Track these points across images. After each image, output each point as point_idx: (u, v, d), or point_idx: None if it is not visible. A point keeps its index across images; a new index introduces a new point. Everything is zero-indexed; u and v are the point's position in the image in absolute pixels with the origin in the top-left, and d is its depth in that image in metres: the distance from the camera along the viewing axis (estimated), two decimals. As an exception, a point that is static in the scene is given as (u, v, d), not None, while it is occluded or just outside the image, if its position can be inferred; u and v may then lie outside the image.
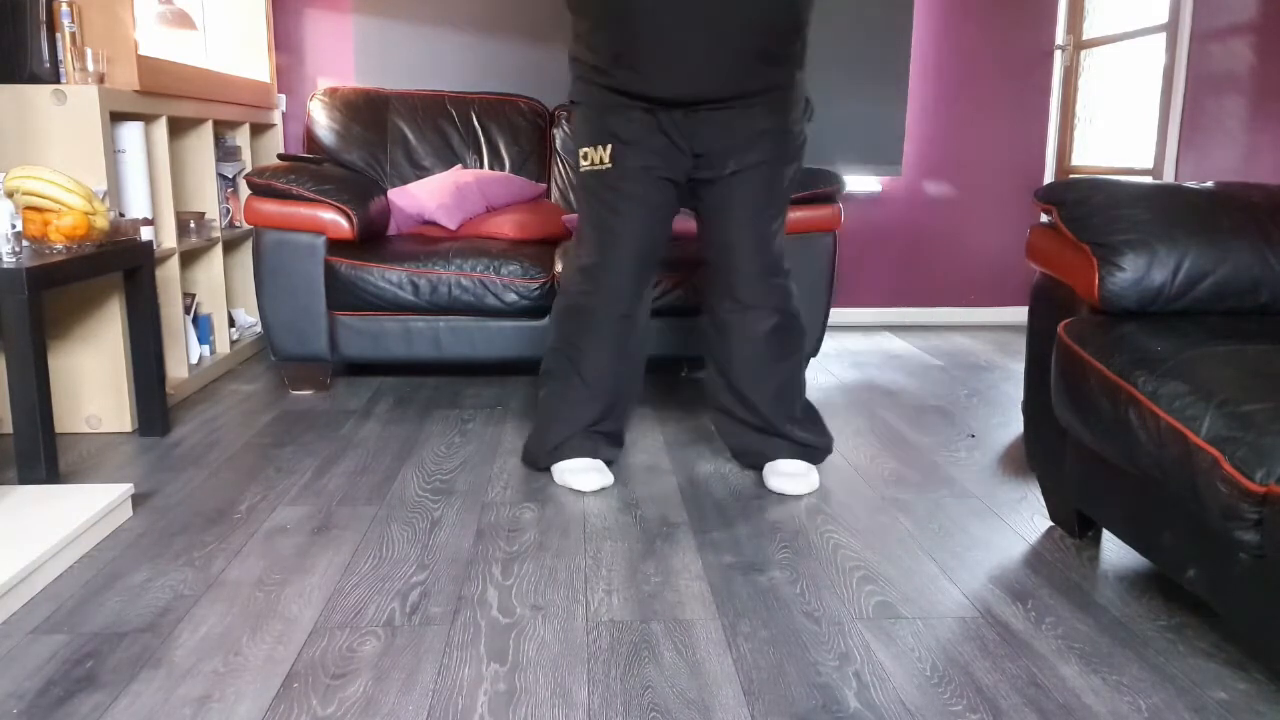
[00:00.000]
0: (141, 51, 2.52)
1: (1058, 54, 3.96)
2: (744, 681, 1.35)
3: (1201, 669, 1.40)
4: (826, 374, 3.21)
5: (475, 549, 1.78)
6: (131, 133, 2.53)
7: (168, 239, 2.72)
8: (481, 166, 3.43)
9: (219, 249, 3.11)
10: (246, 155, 3.42)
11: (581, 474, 2.09)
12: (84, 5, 2.41)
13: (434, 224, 3.20)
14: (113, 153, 2.43)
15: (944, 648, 1.45)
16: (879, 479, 2.19)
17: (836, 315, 4.08)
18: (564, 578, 1.67)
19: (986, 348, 3.65)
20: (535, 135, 3.49)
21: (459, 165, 3.39)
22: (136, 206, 2.56)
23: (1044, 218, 1.86)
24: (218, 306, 3.13)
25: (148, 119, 2.65)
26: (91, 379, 2.45)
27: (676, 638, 1.47)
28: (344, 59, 3.68)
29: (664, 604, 1.58)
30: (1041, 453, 1.89)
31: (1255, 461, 1.20)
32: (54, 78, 2.36)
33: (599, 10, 1.93)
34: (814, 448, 2.16)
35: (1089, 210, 1.70)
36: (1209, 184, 1.78)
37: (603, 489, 2.09)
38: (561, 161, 3.50)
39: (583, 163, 2.06)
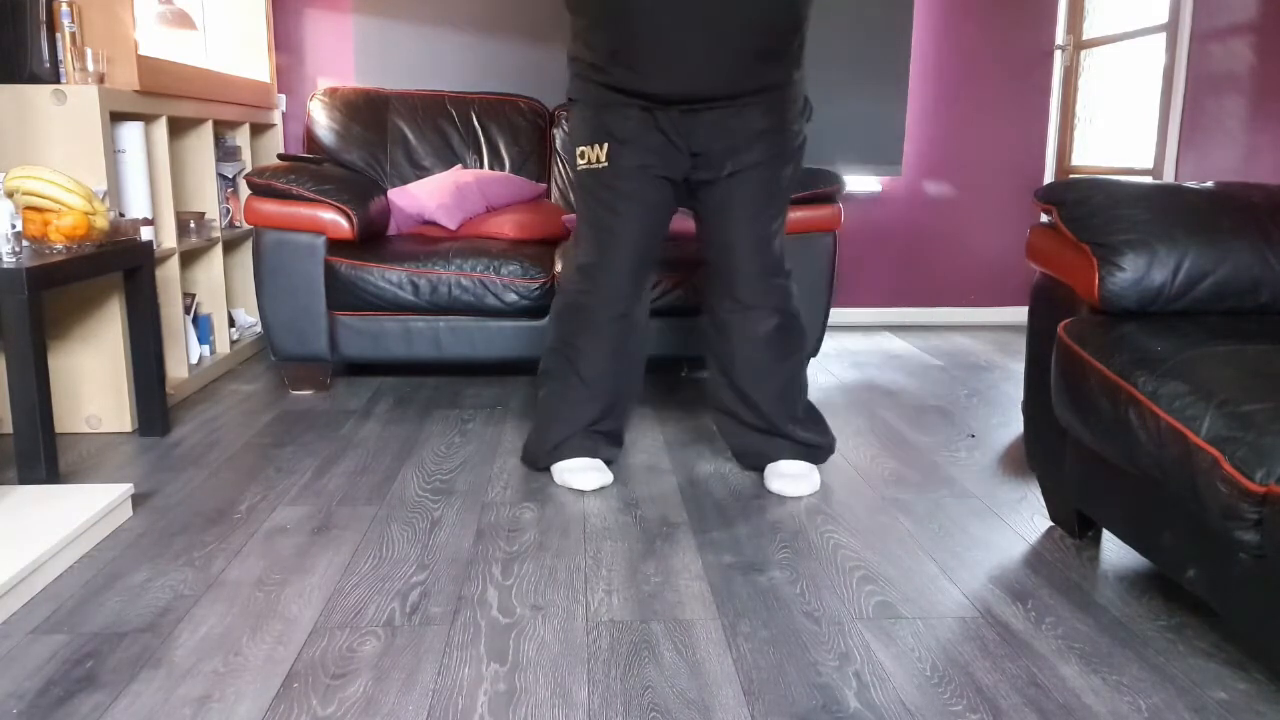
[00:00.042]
0: (141, 51, 2.52)
1: (1058, 54, 3.96)
2: (744, 681, 1.35)
3: (1201, 669, 1.40)
4: (826, 374, 3.21)
5: (475, 549, 1.78)
6: (131, 133, 2.53)
7: (168, 239, 2.72)
8: (481, 166, 3.43)
9: (219, 249, 3.11)
10: (246, 155, 3.42)
11: (581, 473, 2.09)
12: (84, 5, 2.41)
13: (434, 224, 3.20)
14: (113, 153, 2.43)
15: (944, 648, 1.45)
16: (879, 479, 2.19)
17: (836, 315, 4.08)
18: (564, 578, 1.67)
19: (986, 348, 3.65)
20: (535, 135, 3.49)
21: (459, 165, 3.39)
22: (136, 206, 2.56)
23: (1044, 218, 1.86)
24: (218, 306, 3.13)
25: (148, 119, 2.65)
26: (91, 379, 2.45)
27: (676, 638, 1.47)
28: (344, 59, 3.68)
29: (664, 604, 1.58)
30: (1041, 453, 1.89)
31: (1255, 461, 1.20)
32: (54, 78, 2.37)
33: (597, 9, 1.93)
34: (817, 447, 2.16)
35: (1089, 210, 1.70)
36: (1209, 184, 1.78)
37: (602, 488, 2.09)
38: (561, 161, 3.51)
39: (580, 161, 2.06)
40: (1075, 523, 1.85)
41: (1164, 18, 3.25)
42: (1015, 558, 1.78)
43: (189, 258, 3.07)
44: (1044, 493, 1.96)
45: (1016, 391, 3.00)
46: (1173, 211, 1.67)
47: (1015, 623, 1.53)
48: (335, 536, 1.83)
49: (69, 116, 2.32)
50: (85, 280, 2.30)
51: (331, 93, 3.41)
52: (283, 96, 3.69)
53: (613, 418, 2.17)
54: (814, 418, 2.19)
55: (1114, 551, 1.81)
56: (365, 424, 2.56)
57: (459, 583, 1.64)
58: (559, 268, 2.81)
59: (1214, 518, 1.26)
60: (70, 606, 1.55)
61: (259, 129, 3.60)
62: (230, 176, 3.31)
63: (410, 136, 3.40)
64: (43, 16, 2.33)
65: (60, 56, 2.37)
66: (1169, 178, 3.21)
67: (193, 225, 2.97)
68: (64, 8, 2.36)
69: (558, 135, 3.51)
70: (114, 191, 2.42)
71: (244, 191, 3.32)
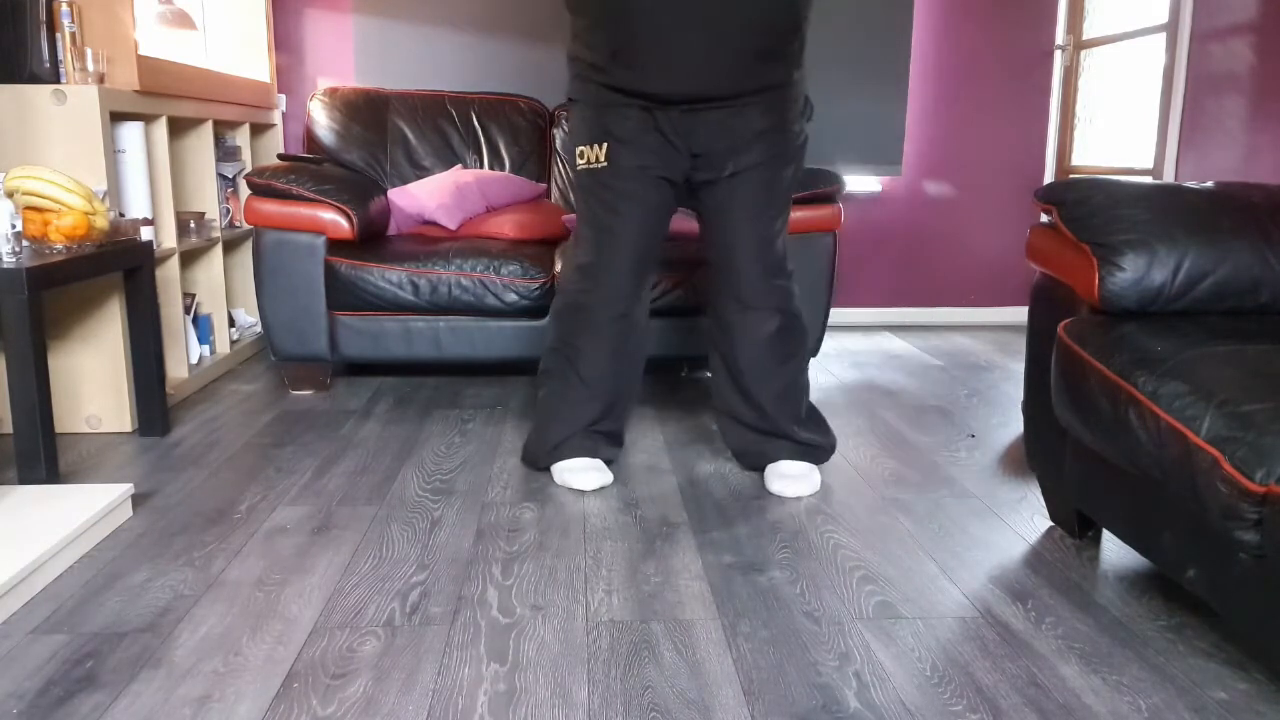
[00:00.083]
0: (141, 51, 2.52)
1: (1058, 54, 3.96)
2: (744, 681, 1.35)
3: (1201, 669, 1.40)
4: (826, 374, 3.21)
5: (475, 549, 1.78)
6: (131, 133, 2.53)
7: (168, 239, 2.72)
8: (481, 166, 3.43)
9: (219, 249, 3.11)
10: (246, 155, 3.42)
11: (581, 473, 2.09)
12: (84, 5, 2.41)
13: (434, 224, 3.20)
14: (113, 153, 2.43)
15: (944, 648, 1.45)
16: (879, 479, 2.19)
17: (836, 315, 4.08)
18: (564, 578, 1.67)
19: (986, 348, 3.65)
20: (535, 135, 3.49)
21: (459, 165, 3.39)
22: (136, 206, 2.56)
23: (1044, 218, 1.86)
24: (218, 306, 3.13)
25: (148, 119, 2.65)
26: (91, 379, 2.45)
27: (676, 638, 1.47)
28: (344, 59, 3.68)
29: (664, 604, 1.58)
30: (1041, 453, 1.89)
31: (1255, 461, 1.20)
32: (54, 78, 2.37)
33: (597, 9, 1.93)
34: (818, 448, 2.16)
35: (1089, 210, 1.70)
36: (1209, 184, 1.78)
37: (602, 488, 2.09)
38: (561, 161, 3.51)
39: (579, 161, 2.06)
40: (1075, 523, 1.85)
41: (1164, 18, 3.25)
42: (1015, 558, 1.78)
43: (189, 258, 3.07)
44: (1044, 493, 1.96)
45: (1016, 391, 3.00)
46: (1173, 211, 1.67)
47: (1015, 623, 1.53)
48: (335, 536, 1.83)
49: (69, 116, 2.32)
50: (85, 280, 2.30)
51: (331, 93, 3.41)
52: (283, 96, 3.69)
53: (613, 418, 2.17)
54: (815, 418, 2.19)
55: (1114, 551, 1.81)
56: (365, 424, 2.56)
57: (459, 583, 1.64)
58: (559, 268, 2.81)
59: (1214, 518, 1.26)
60: (70, 606, 1.55)
61: (259, 129, 3.60)
62: (230, 176, 3.31)
63: (410, 136, 3.40)
64: (43, 16, 2.33)
65: (60, 56, 2.37)
66: (1169, 178, 3.21)
67: (193, 225, 2.97)
68: (64, 8, 2.36)
69: (558, 135, 3.51)
70: (114, 191, 2.42)
71: (244, 191, 3.32)
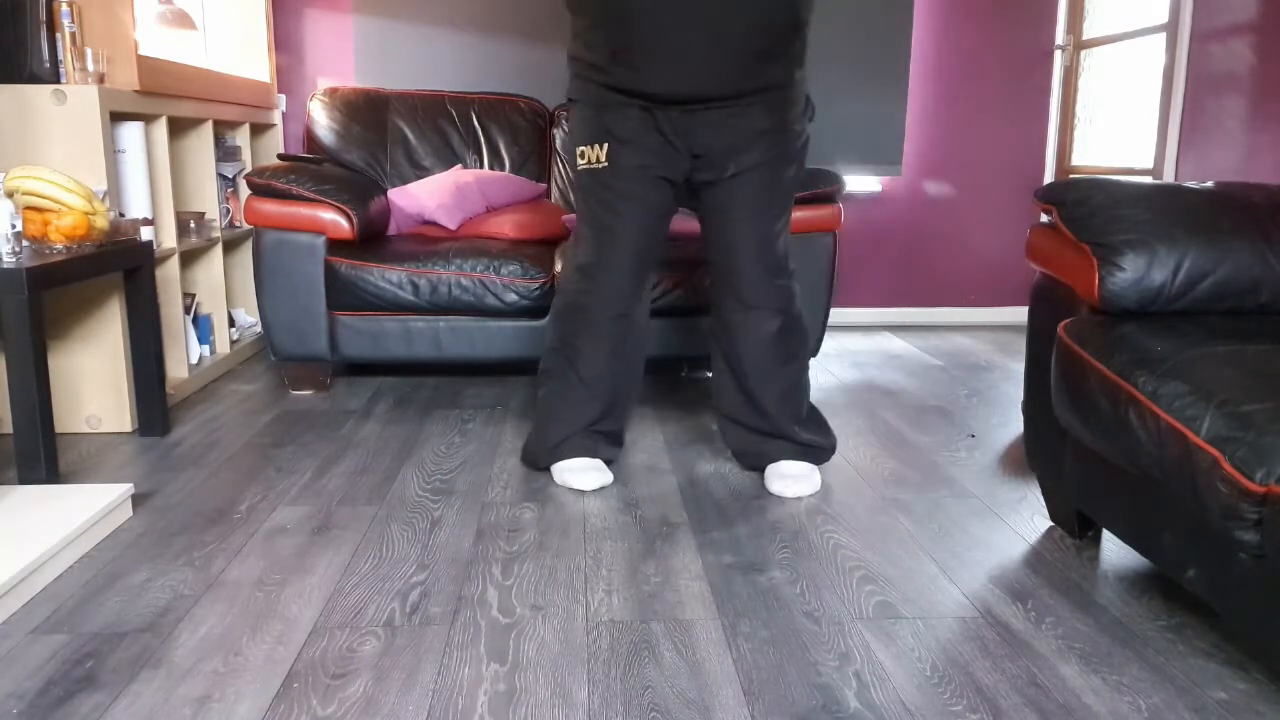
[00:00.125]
0: (141, 51, 2.52)
1: (1058, 54, 3.96)
2: (744, 681, 1.35)
3: (1201, 669, 1.40)
4: (826, 374, 3.21)
5: (475, 549, 1.78)
6: (131, 133, 2.53)
7: (168, 239, 2.72)
8: (481, 166, 3.43)
9: (219, 249, 3.11)
10: (246, 155, 3.42)
11: (581, 473, 2.09)
12: (84, 5, 2.41)
13: (434, 224, 3.20)
14: (113, 153, 2.43)
15: (944, 648, 1.45)
16: (879, 479, 2.19)
17: (836, 315, 4.08)
18: (564, 578, 1.67)
19: (986, 348, 3.65)
20: (535, 135, 3.49)
21: (459, 165, 3.39)
22: (136, 206, 2.56)
23: (1044, 218, 1.86)
24: (218, 306, 3.13)
25: (148, 119, 2.65)
26: (91, 379, 2.45)
27: (676, 638, 1.47)
28: (344, 59, 3.68)
29: (664, 604, 1.58)
30: (1041, 453, 1.89)
31: (1255, 461, 1.20)
32: (54, 78, 2.37)
33: (598, 8, 1.93)
34: (818, 448, 2.16)
35: (1089, 210, 1.70)
36: (1209, 184, 1.78)
37: (602, 488, 2.09)
38: (561, 161, 3.51)
39: (580, 161, 2.06)
40: (1075, 523, 1.85)
41: (1164, 18, 3.25)
42: (1015, 558, 1.78)
43: (189, 258, 3.07)
44: (1044, 493, 1.96)
45: (1016, 391, 3.00)
46: (1173, 211, 1.67)
47: (1015, 623, 1.53)
48: (335, 536, 1.83)
49: (69, 116, 2.32)
50: (85, 280, 2.30)
51: (331, 93, 3.41)
52: (283, 96, 3.69)
53: (613, 418, 2.17)
54: (816, 419, 2.19)
55: (1114, 551, 1.81)
56: (365, 424, 2.56)
57: (459, 583, 1.64)
58: (559, 268, 2.81)
59: (1214, 518, 1.26)
60: (70, 606, 1.55)
61: (259, 129, 3.60)
62: (230, 176, 3.31)
63: (410, 136, 3.40)
64: (43, 16, 2.33)
65: (60, 56, 2.37)
66: (1169, 178, 3.21)
67: (193, 225, 2.97)
68: (64, 8, 2.36)
69: (558, 135, 3.51)
70: (114, 191, 2.42)
71: (244, 191, 3.32)
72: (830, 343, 3.71)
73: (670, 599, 1.59)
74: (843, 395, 2.94)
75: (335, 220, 2.76)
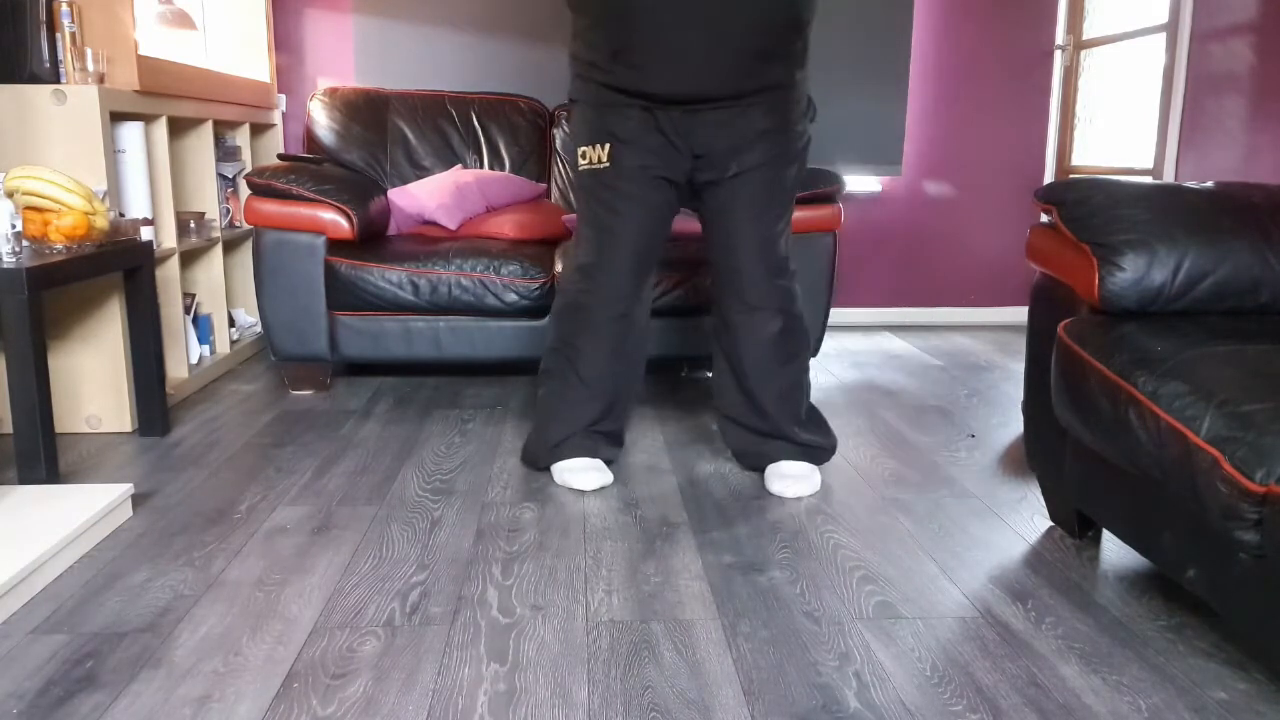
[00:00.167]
0: (141, 51, 2.52)
1: (1058, 54, 3.96)
2: (744, 681, 1.35)
3: (1201, 669, 1.40)
4: (826, 374, 3.21)
5: (475, 549, 1.78)
6: (131, 133, 2.53)
7: (168, 239, 2.72)
8: (481, 166, 3.43)
9: (219, 249, 3.11)
10: (246, 155, 3.42)
11: (581, 473, 2.09)
12: (84, 5, 2.41)
13: (434, 224, 3.20)
14: (113, 153, 2.43)
15: (944, 648, 1.45)
16: (879, 479, 2.19)
17: (836, 315, 4.08)
18: (564, 578, 1.67)
19: (986, 348, 3.65)
20: (535, 135, 3.49)
21: (459, 165, 3.39)
22: (136, 206, 2.56)
23: (1044, 218, 1.86)
24: (218, 306, 3.13)
25: (148, 119, 2.65)
26: (91, 379, 2.45)
27: (676, 638, 1.47)
28: (344, 59, 3.68)
29: (664, 604, 1.58)
30: (1041, 453, 1.89)
31: (1255, 461, 1.20)
32: (54, 78, 2.36)
33: (599, 8, 1.93)
34: (818, 448, 2.16)
35: (1089, 210, 1.70)
36: (1209, 184, 1.78)
37: (602, 488, 2.09)
38: (561, 161, 3.51)
39: (581, 162, 2.06)
40: (1075, 523, 1.85)
41: (1164, 18, 3.25)
42: (1015, 558, 1.78)
43: (189, 258, 3.07)
44: (1044, 493, 1.96)
45: (1016, 391, 3.00)
46: (1173, 211, 1.67)
47: (1015, 623, 1.53)
48: (335, 536, 1.83)
49: (69, 116, 2.32)
50: (85, 280, 2.30)
51: (331, 93, 3.41)
52: (283, 96, 3.69)
53: (613, 418, 2.17)
54: (816, 419, 2.19)
55: (1114, 551, 1.81)
56: (365, 424, 2.56)
57: (459, 583, 1.64)
58: (559, 268, 2.81)
59: (1214, 518, 1.26)
60: (70, 606, 1.55)
61: (259, 129, 3.60)
62: (230, 176, 3.31)
63: (410, 136, 3.40)
64: (43, 16, 2.33)
65: (60, 56, 2.37)
66: (1169, 178, 3.21)
67: (193, 225, 2.97)
68: (64, 8, 2.36)
69: (558, 135, 3.51)
70: (114, 191, 2.42)
71: (244, 191, 3.32)
72: (830, 343, 3.71)
73: (670, 599, 1.59)
74: (843, 395, 2.94)
75: (335, 220, 2.76)
